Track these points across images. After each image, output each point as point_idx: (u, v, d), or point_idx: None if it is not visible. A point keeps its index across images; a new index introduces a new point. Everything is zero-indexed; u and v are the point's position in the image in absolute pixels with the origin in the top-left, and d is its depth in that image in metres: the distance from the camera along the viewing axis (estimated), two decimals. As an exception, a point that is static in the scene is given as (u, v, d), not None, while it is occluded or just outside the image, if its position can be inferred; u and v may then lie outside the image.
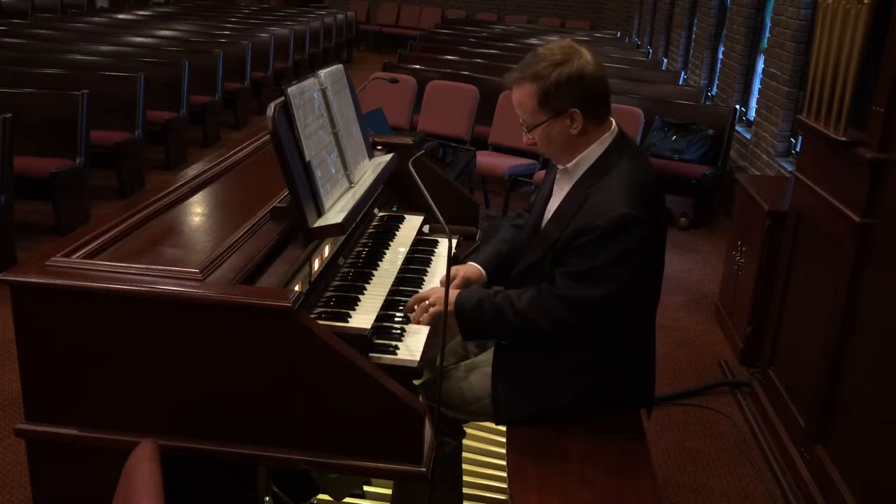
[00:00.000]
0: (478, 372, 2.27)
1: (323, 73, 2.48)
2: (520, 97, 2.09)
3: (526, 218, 2.43)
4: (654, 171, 2.16)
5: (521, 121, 2.13)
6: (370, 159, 2.75)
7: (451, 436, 2.32)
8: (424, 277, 2.48)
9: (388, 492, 2.56)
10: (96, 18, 11.25)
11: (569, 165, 2.14)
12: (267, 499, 2.05)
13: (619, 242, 1.98)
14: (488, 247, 2.43)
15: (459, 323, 2.15)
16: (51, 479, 1.93)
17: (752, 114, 6.90)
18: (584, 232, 2.01)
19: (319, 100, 2.38)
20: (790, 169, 5.24)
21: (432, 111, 6.66)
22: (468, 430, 2.69)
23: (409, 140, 3.10)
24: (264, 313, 1.71)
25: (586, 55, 2.06)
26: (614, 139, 2.12)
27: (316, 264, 2.16)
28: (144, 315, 1.76)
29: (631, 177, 2.05)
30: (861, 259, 2.67)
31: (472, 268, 2.36)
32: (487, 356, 2.31)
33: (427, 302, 2.15)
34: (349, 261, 2.43)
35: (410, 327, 2.13)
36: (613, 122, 2.15)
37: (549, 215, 2.21)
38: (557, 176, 2.22)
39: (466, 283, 2.31)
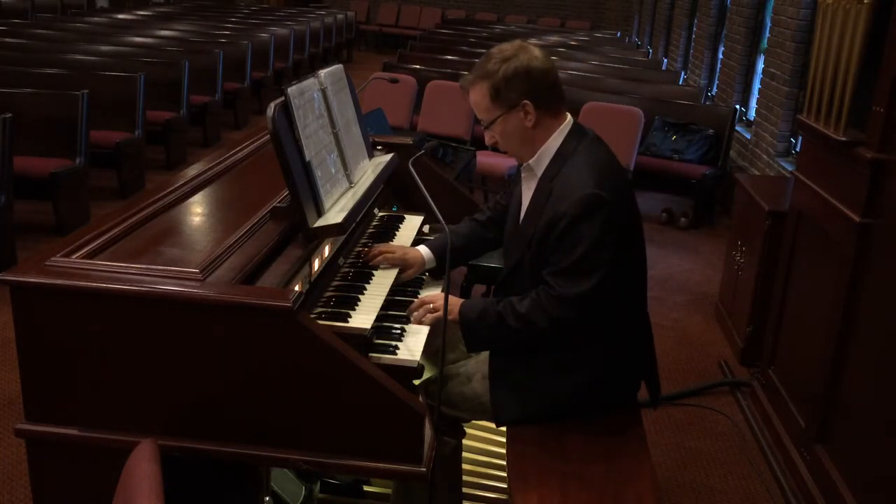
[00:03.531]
0: (478, 371, 2.27)
1: (323, 73, 2.48)
2: (475, 97, 2.17)
3: (488, 213, 2.52)
4: (612, 154, 2.21)
5: (481, 120, 2.20)
6: (370, 159, 2.75)
7: (451, 435, 2.32)
8: (424, 277, 2.48)
9: (389, 491, 2.56)
10: (96, 18, 11.25)
11: (531, 161, 2.19)
12: (267, 499, 2.05)
13: (590, 225, 2.01)
14: (441, 237, 2.47)
15: (464, 334, 2.17)
16: (51, 479, 1.93)
17: (752, 114, 6.90)
18: (553, 222, 2.04)
19: (319, 100, 2.38)
20: (790, 169, 5.24)
21: (432, 111, 6.66)
22: (468, 430, 2.69)
23: (409, 140, 3.10)
24: (264, 313, 1.71)
25: (533, 51, 2.14)
26: (571, 129, 2.18)
27: (316, 264, 2.16)
28: (144, 315, 1.76)
29: (589, 159, 2.11)
30: (861, 259, 2.67)
31: (416, 251, 2.43)
32: (480, 358, 2.31)
33: (431, 305, 2.17)
34: (349, 261, 2.43)
35: (410, 327, 2.13)
36: (569, 116, 2.21)
37: (522, 217, 2.24)
38: (524, 176, 2.27)
39: (402, 264, 2.39)
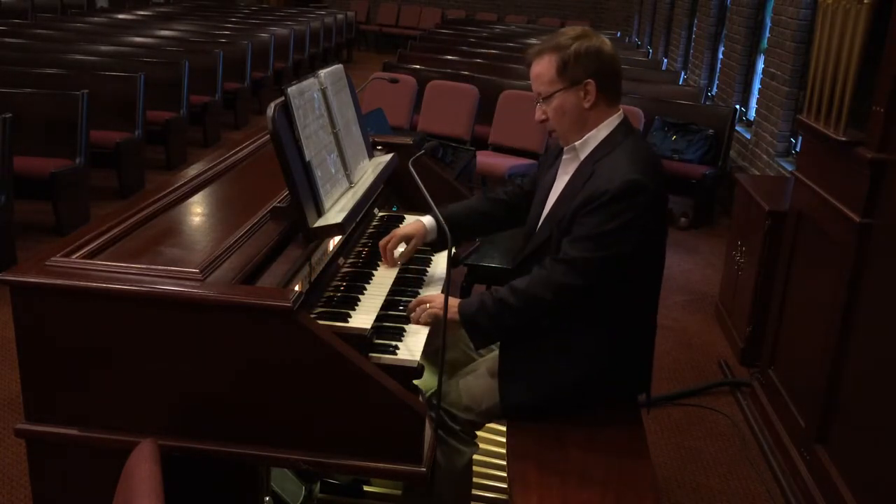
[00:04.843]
0: (480, 373, 2.28)
1: (323, 73, 2.48)
2: (539, 68, 2.18)
3: (503, 196, 2.53)
4: (657, 155, 2.25)
5: (536, 95, 2.21)
6: (370, 159, 2.75)
7: (466, 444, 2.28)
8: (424, 277, 2.48)
9: (389, 491, 2.56)
10: (96, 18, 11.25)
11: (577, 144, 2.20)
12: (267, 499, 2.05)
13: (628, 207, 2.04)
14: (446, 209, 2.46)
15: (467, 331, 2.17)
16: (51, 479, 1.93)
17: (752, 114, 6.90)
18: (592, 199, 2.06)
19: (319, 100, 2.38)
20: (790, 169, 5.24)
21: (432, 111, 6.66)
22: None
23: (409, 140, 3.10)
24: (264, 313, 1.71)
25: (602, 37, 2.20)
26: (621, 122, 2.21)
27: (316, 264, 2.16)
28: (144, 315, 1.76)
29: (636, 150, 2.15)
30: (861, 259, 2.67)
31: (414, 223, 2.46)
32: (489, 356, 2.31)
33: (429, 305, 2.16)
34: (349, 261, 2.43)
35: (410, 327, 2.13)
36: (621, 109, 2.24)
37: (555, 198, 2.24)
38: (565, 157, 2.27)
39: (406, 239, 2.43)
